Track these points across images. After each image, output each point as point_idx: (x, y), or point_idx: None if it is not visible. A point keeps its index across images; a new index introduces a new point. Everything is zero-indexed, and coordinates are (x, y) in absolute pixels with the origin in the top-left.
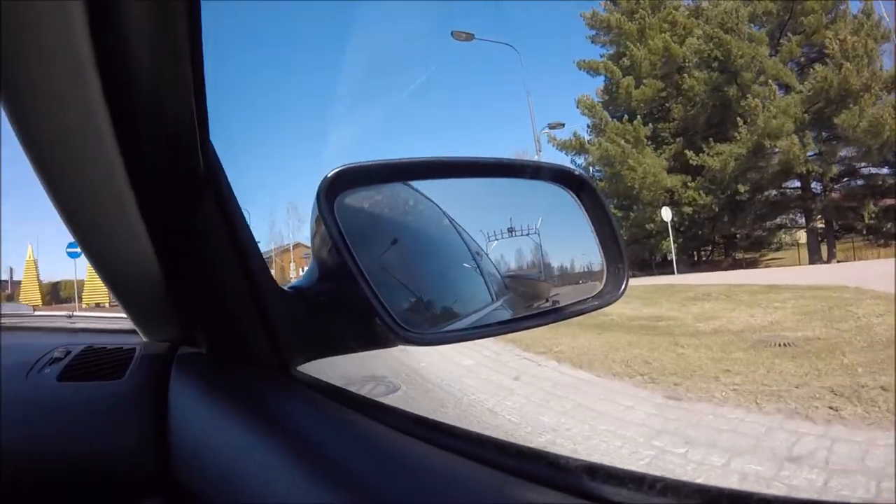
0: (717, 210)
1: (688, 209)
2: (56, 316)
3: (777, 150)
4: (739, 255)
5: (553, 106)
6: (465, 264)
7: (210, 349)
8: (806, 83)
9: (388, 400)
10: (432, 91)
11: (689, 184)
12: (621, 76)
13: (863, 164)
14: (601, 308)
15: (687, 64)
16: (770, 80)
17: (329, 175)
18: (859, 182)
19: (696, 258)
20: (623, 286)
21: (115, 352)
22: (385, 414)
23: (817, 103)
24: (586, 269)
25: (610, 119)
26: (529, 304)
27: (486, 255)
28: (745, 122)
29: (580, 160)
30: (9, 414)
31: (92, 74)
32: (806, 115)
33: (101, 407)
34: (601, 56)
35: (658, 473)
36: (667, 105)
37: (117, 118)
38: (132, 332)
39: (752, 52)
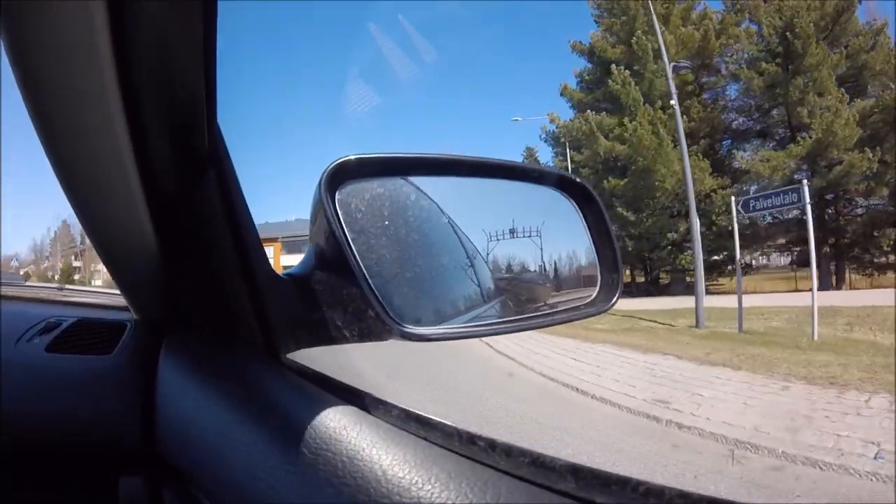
0: (758, 223)
1: (721, 220)
2: (47, 287)
3: (841, 160)
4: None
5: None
6: (461, 264)
7: (201, 330)
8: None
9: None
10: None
11: (724, 188)
12: (651, 58)
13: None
14: (593, 316)
15: (727, 60)
16: (839, 89)
17: (332, 165)
18: (859, 210)
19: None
20: (616, 296)
21: (106, 327)
22: (373, 405)
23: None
24: (582, 276)
25: (642, 102)
26: (523, 308)
27: (482, 255)
28: (810, 126)
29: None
30: None
31: (105, 45)
32: (864, 130)
33: (88, 381)
34: (599, 36)
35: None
36: (687, 102)
37: (127, 93)
38: (123, 308)
39: (823, 55)
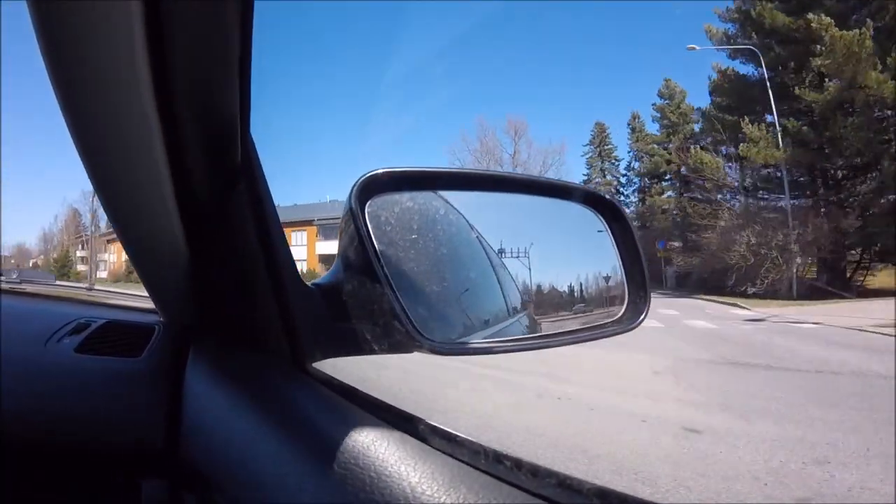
0: None
1: None
2: (77, 287)
3: None
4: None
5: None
6: (488, 278)
7: (229, 337)
8: None
9: None
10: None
11: None
12: None
13: None
14: (621, 333)
15: None
16: None
17: (363, 177)
18: None
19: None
20: (644, 314)
21: (135, 329)
22: (400, 419)
23: None
24: (599, 295)
25: None
26: (538, 323)
27: (509, 270)
28: None
29: None
30: (23, 379)
31: (142, 57)
32: None
33: (116, 383)
34: None
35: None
36: None
37: (164, 105)
38: (152, 311)
39: None
